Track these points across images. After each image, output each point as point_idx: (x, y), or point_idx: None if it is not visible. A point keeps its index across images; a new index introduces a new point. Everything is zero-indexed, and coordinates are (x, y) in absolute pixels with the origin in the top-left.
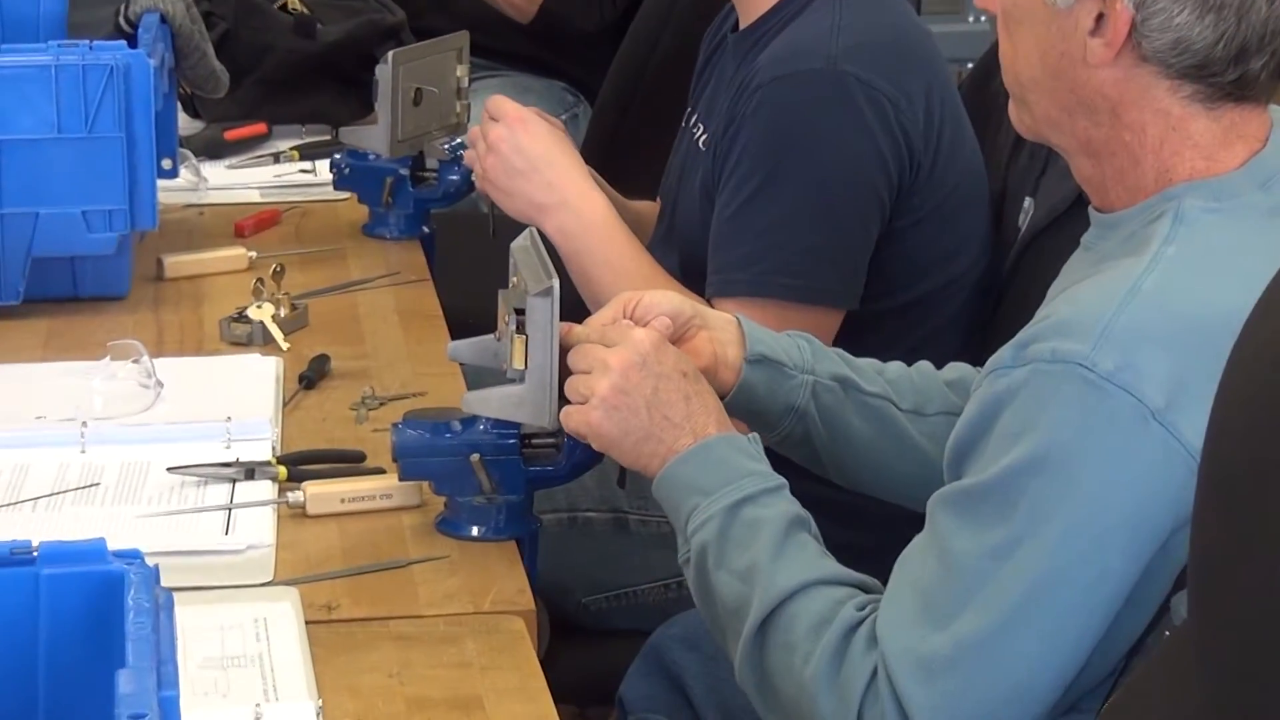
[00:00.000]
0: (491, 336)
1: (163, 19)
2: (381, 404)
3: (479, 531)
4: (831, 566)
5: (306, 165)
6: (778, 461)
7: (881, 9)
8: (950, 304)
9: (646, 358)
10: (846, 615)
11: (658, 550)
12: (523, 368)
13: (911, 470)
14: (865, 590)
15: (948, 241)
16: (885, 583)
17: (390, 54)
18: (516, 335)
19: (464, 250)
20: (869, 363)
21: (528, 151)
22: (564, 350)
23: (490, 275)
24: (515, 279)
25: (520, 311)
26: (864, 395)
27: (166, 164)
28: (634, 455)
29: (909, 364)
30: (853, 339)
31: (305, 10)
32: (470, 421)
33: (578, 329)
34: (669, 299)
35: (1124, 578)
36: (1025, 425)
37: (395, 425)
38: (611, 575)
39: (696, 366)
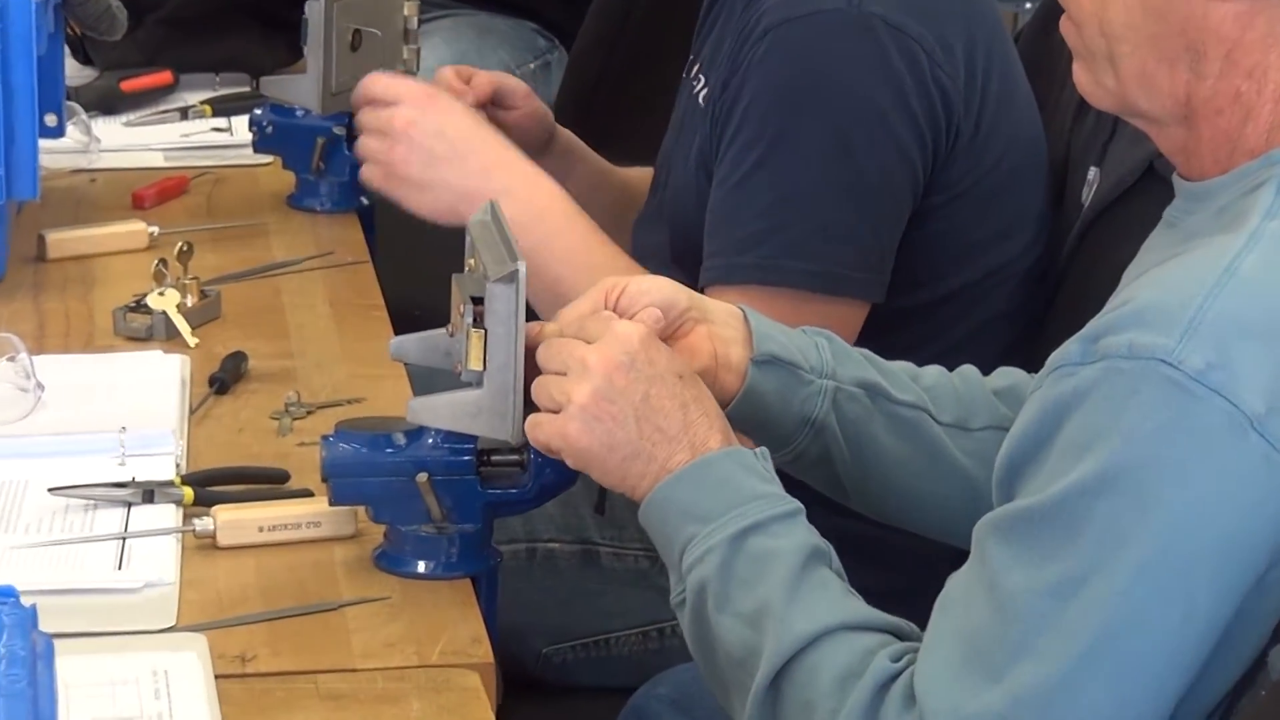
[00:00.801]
0: (443, 331)
1: None
2: (309, 412)
3: (427, 567)
4: (859, 608)
5: (221, 123)
6: (790, 486)
7: None
8: (996, 296)
9: (635, 356)
10: (879, 667)
11: (635, 590)
12: (480, 369)
13: (952, 497)
14: (900, 637)
15: (994, 222)
16: (923, 628)
17: None
18: (473, 330)
19: (411, 226)
20: (902, 366)
21: (449, 133)
22: (531, 348)
23: (443, 256)
24: (472, 261)
25: (478, 301)
26: (896, 405)
27: (50, 120)
28: (619, 475)
29: (949, 369)
30: (877, 340)
31: None
32: (417, 434)
33: (549, 324)
34: (660, 286)
35: (1212, 620)
36: (1095, 435)
37: (325, 438)
38: (579, 620)
39: (693, 368)
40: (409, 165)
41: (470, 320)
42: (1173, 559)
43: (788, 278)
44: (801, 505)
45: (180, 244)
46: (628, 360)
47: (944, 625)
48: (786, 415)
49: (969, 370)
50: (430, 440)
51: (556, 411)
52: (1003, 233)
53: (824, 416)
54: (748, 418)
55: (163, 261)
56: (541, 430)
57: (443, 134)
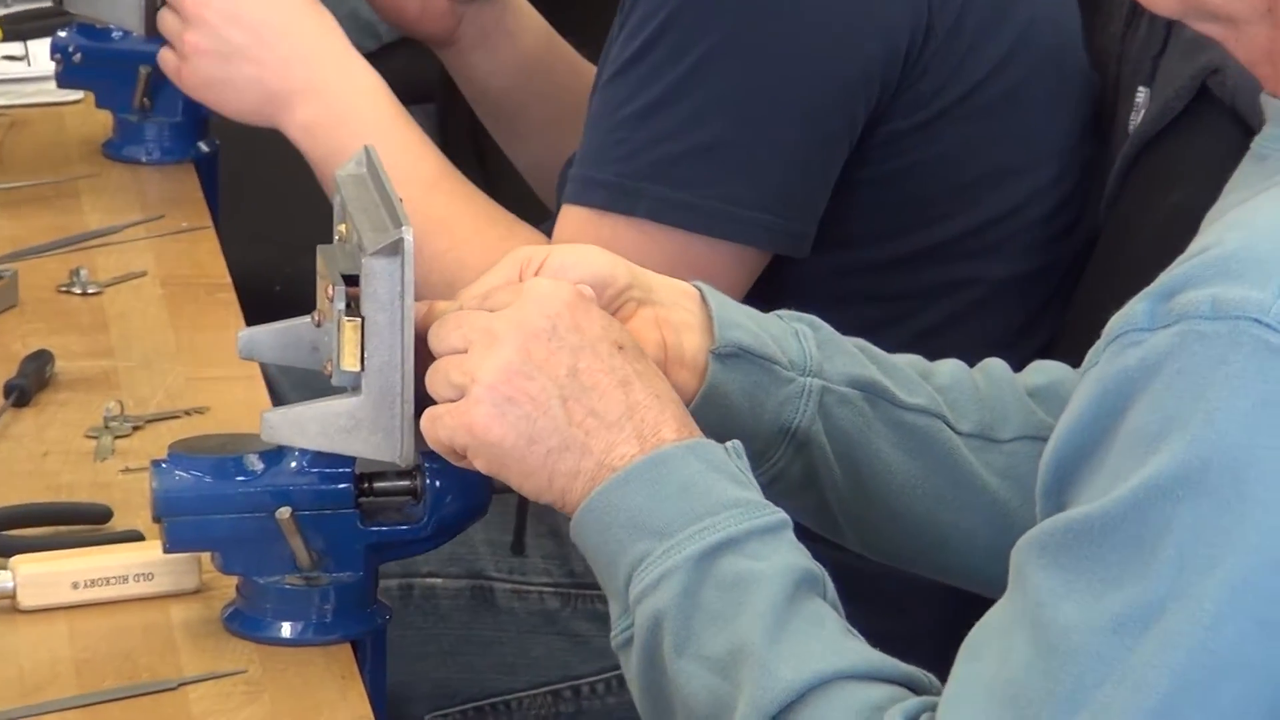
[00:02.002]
0: (307, 319)
1: None
2: (136, 428)
3: (294, 630)
4: (863, 652)
5: (14, 49)
6: None
7: None
8: (1001, 255)
9: (558, 321)
10: None
11: (541, 637)
12: (357, 369)
13: (978, 529)
14: (915, 690)
15: (991, 154)
16: (943, 679)
17: None
18: (346, 319)
19: (266, 179)
20: (909, 361)
21: (247, 18)
22: (424, 337)
23: (311, 214)
24: (343, 228)
25: (352, 281)
26: (901, 410)
27: None
28: (544, 476)
29: (936, 355)
30: (830, 315)
31: None
32: (276, 456)
33: (444, 303)
34: (591, 258)
35: None
36: (1171, 419)
37: (157, 464)
38: (470, 677)
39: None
40: (204, 60)
41: (342, 306)
42: (1276, 580)
43: (648, 206)
44: (787, 518)
45: None
46: (548, 326)
47: (973, 674)
48: (759, 424)
49: (995, 366)
50: (294, 464)
51: (457, 400)
52: (1005, 169)
53: (808, 425)
54: (709, 427)
55: None
56: (441, 425)
57: (239, 18)
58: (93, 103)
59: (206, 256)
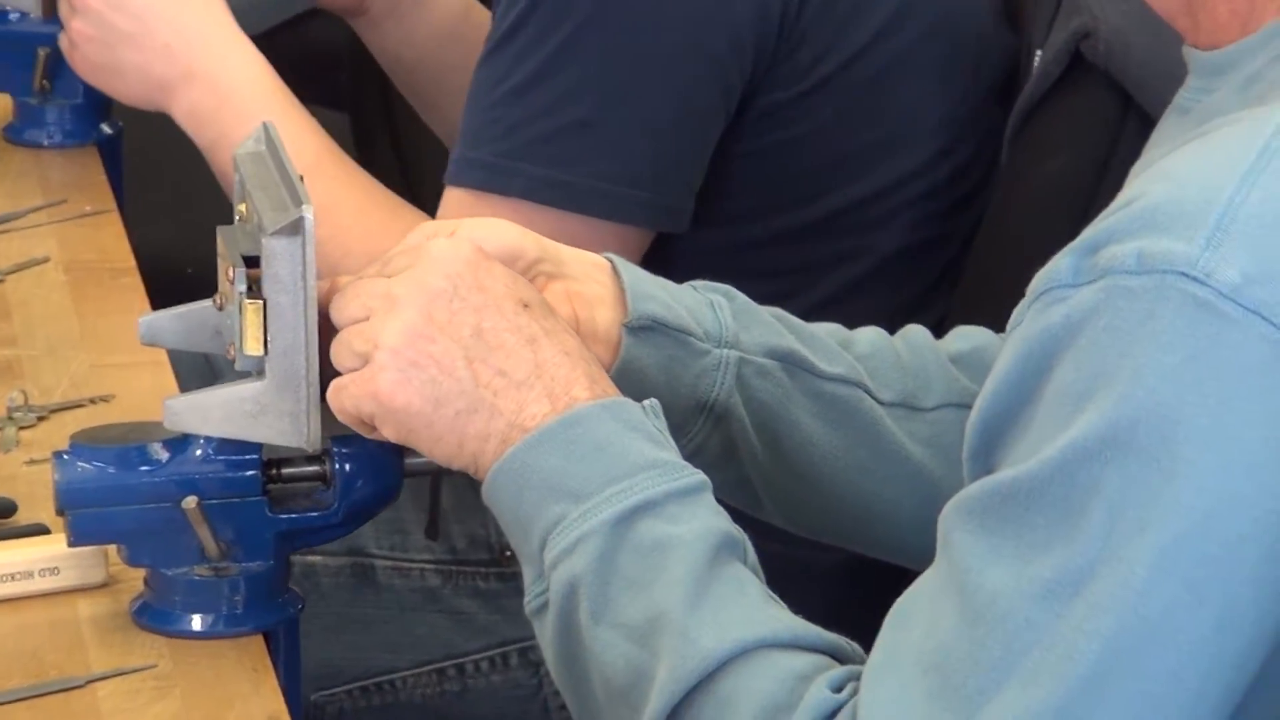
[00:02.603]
0: (209, 303)
1: None
2: (41, 418)
3: (204, 623)
4: (787, 620)
5: None
6: None
7: None
8: (892, 227)
9: (459, 280)
10: (815, 699)
11: (423, 614)
12: (260, 353)
13: (902, 500)
14: (840, 659)
15: (877, 124)
16: (868, 648)
17: None
18: (248, 301)
19: (174, 159)
20: (828, 330)
21: (131, 5)
22: (327, 316)
23: (221, 198)
24: (243, 207)
25: (253, 262)
26: (822, 381)
27: None
28: (455, 439)
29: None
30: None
31: None
32: (181, 445)
33: (345, 278)
34: (499, 232)
35: (1260, 624)
36: (1097, 377)
37: (59, 455)
38: (354, 657)
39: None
40: (89, 43)
41: (244, 288)
42: (1207, 543)
43: (523, 186)
44: (707, 479)
45: None
46: (449, 286)
47: (899, 643)
48: (676, 397)
49: (917, 333)
50: (199, 452)
51: (361, 368)
52: (889, 141)
53: (726, 398)
54: None
55: None
56: (346, 395)
57: (122, 5)
58: None
59: (111, 241)
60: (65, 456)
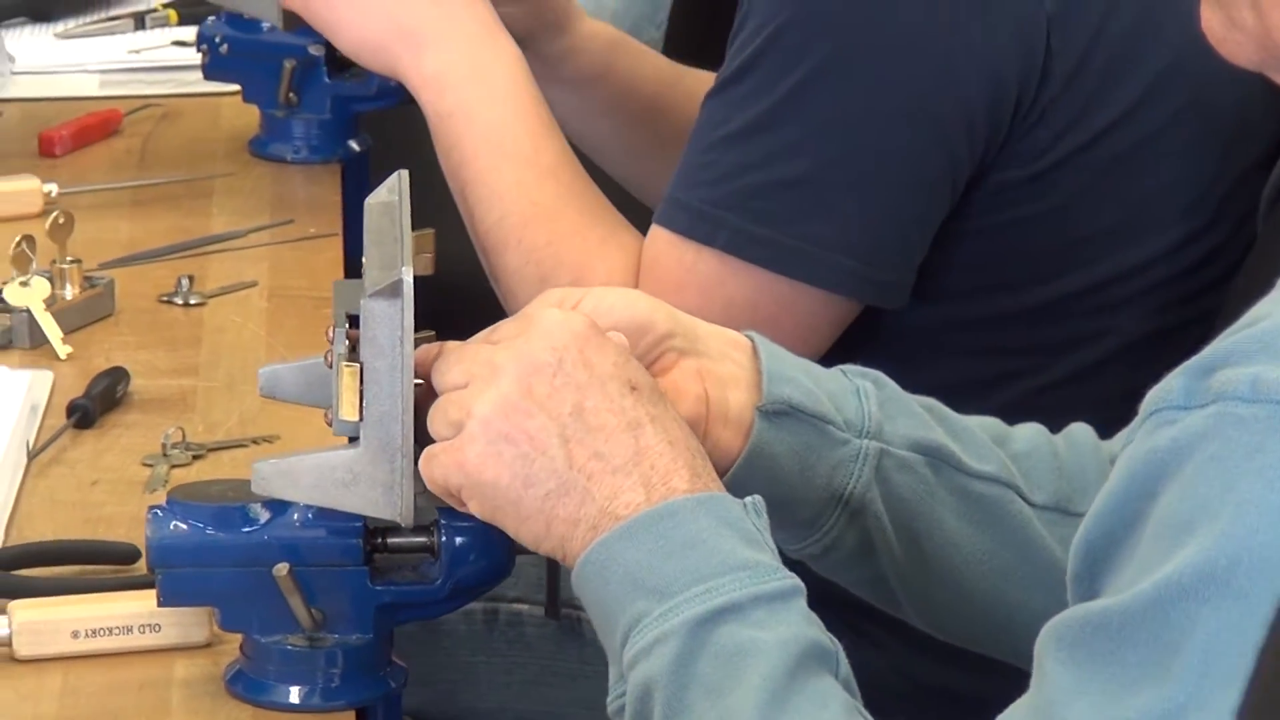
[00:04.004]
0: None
1: None
2: (197, 456)
3: (300, 695)
4: None
5: (185, 33)
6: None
7: None
8: (1129, 313)
9: (564, 354)
10: None
11: None
12: (355, 419)
13: (1047, 607)
14: None
15: (1120, 207)
16: None
17: None
18: (345, 364)
19: (417, 177)
20: (982, 424)
21: None
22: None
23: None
24: (366, 260)
25: (355, 321)
26: (969, 478)
27: None
28: (541, 522)
29: (1053, 428)
30: (936, 365)
31: None
32: (284, 506)
33: (454, 344)
34: (628, 302)
35: None
36: (1200, 509)
37: (154, 511)
38: (552, 710)
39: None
40: None
41: (342, 350)
42: None
43: (727, 239)
44: (800, 584)
45: (55, 215)
46: (553, 360)
47: None
48: (809, 488)
49: (1080, 432)
50: (299, 516)
51: (453, 438)
52: (1131, 224)
53: (864, 491)
54: (754, 490)
55: (24, 241)
56: (436, 464)
57: None
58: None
59: (325, 267)
60: (159, 512)
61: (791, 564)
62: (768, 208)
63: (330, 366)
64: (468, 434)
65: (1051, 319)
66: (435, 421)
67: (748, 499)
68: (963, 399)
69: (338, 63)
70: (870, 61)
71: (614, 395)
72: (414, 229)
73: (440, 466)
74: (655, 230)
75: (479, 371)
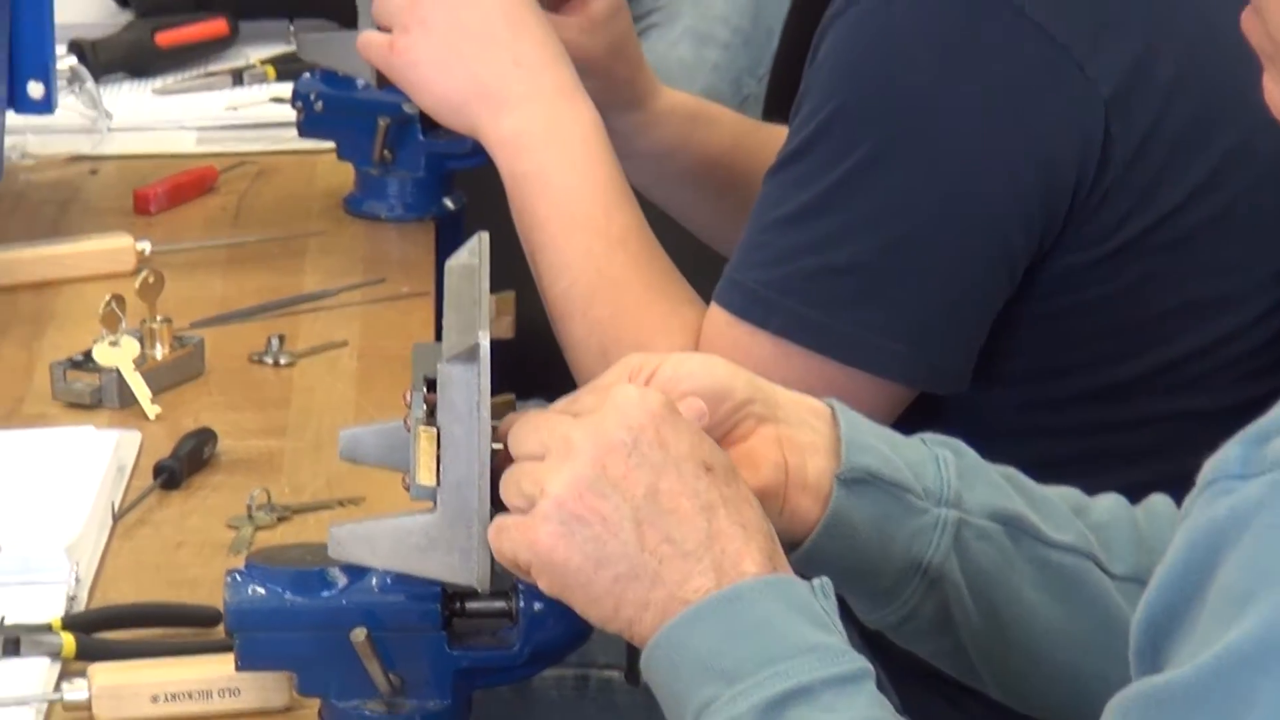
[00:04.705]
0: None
1: None
2: (282, 518)
3: None
4: None
5: (283, 90)
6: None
7: None
8: (1207, 389)
9: (640, 434)
10: None
11: None
12: (432, 484)
13: (1125, 680)
14: None
15: (1193, 285)
16: None
17: None
18: (423, 428)
19: (510, 235)
20: (1063, 494)
21: (489, 7)
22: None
23: None
24: (445, 323)
25: (433, 385)
26: (1048, 549)
27: (35, 91)
28: (610, 604)
29: (1132, 500)
30: (1008, 445)
31: None
32: (361, 570)
33: (534, 412)
34: (708, 368)
35: None
36: (1260, 578)
37: (232, 575)
38: None
39: (739, 469)
40: (428, 33)
41: (420, 414)
42: None
43: (780, 322)
44: (870, 667)
45: (145, 274)
46: (629, 439)
47: None
48: (888, 557)
49: (1160, 502)
50: (377, 580)
51: (526, 511)
52: (1206, 301)
53: (942, 561)
54: (832, 559)
55: (114, 301)
56: (506, 537)
57: (478, 4)
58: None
59: (417, 327)
60: (238, 577)
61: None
62: (821, 292)
63: (409, 430)
64: (540, 512)
65: (1126, 398)
66: (508, 492)
67: (815, 581)
68: (1037, 478)
69: (432, 120)
70: (922, 149)
71: (688, 477)
72: (495, 291)
73: (510, 541)
74: (714, 308)
75: (555, 446)
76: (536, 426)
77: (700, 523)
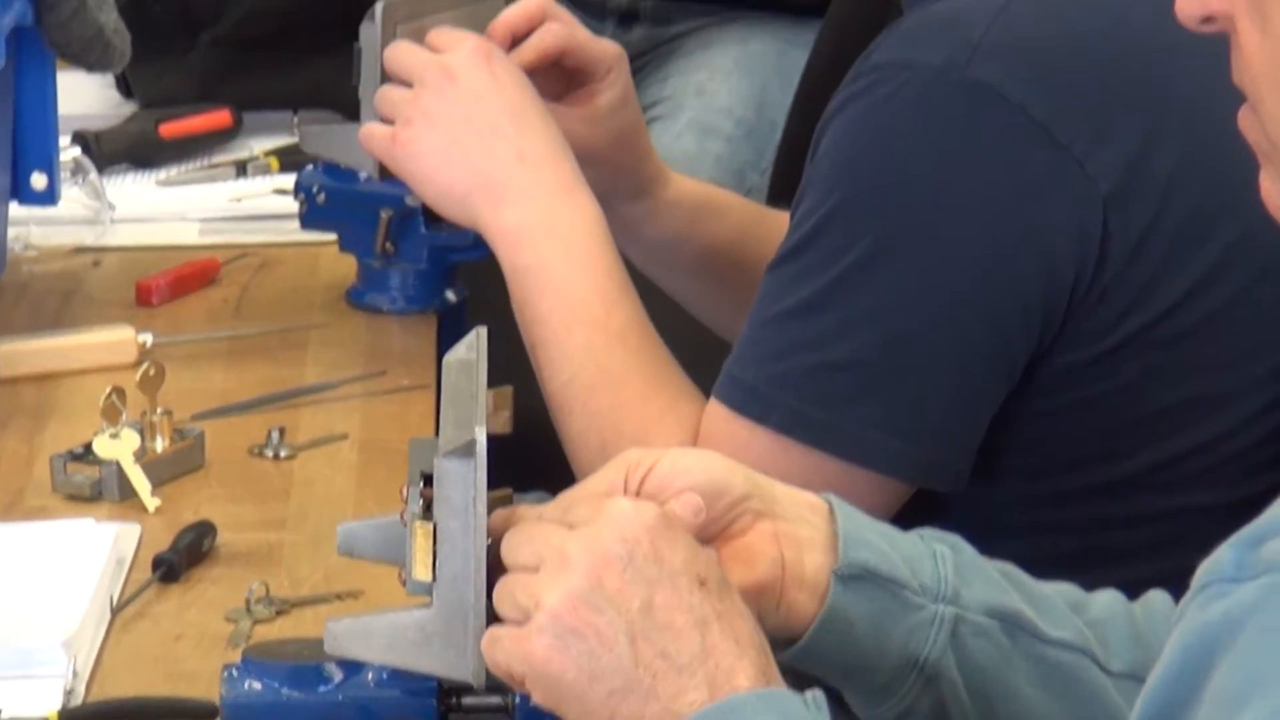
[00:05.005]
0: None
1: None
2: (281, 612)
3: None
4: None
5: (286, 181)
6: None
7: None
8: (1210, 484)
9: (636, 547)
10: None
11: None
12: (428, 579)
13: None
14: None
15: (1194, 381)
16: None
17: (379, 5)
18: (419, 523)
19: (512, 328)
20: (1059, 590)
21: (493, 101)
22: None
23: None
24: (442, 418)
25: (430, 480)
26: (1045, 645)
27: (39, 182)
28: (603, 716)
29: (1132, 595)
30: (1008, 540)
31: None
32: (358, 665)
33: (527, 509)
34: (706, 464)
35: None
36: (1254, 682)
37: (228, 669)
38: None
39: (730, 575)
40: (432, 124)
41: (417, 508)
42: None
43: (780, 419)
44: None
45: (146, 366)
46: (624, 552)
47: None
48: (884, 653)
49: (1158, 600)
50: (371, 675)
51: (521, 622)
52: (1207, 397)
53: (939, 657)
54: (829, 655)
55: (114, 394)
56: (500, 648)
57: (482, 97)
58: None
59: (418, 419)
60: (234, 671)
61: None
62: (819, 389)
63: (405, 525)
64: (535, 624)
65: (1125, 495)
66: (503, 603)
67: (808, 693)
68: (1036, 573)
69: (435, 213)
70: (921, 246)
71: (683, 591)
72: (493, 386)
73: (504, 653)
74: (713, 403)
75: (550, 557)
76: (531, 537)
77: (694, 637)
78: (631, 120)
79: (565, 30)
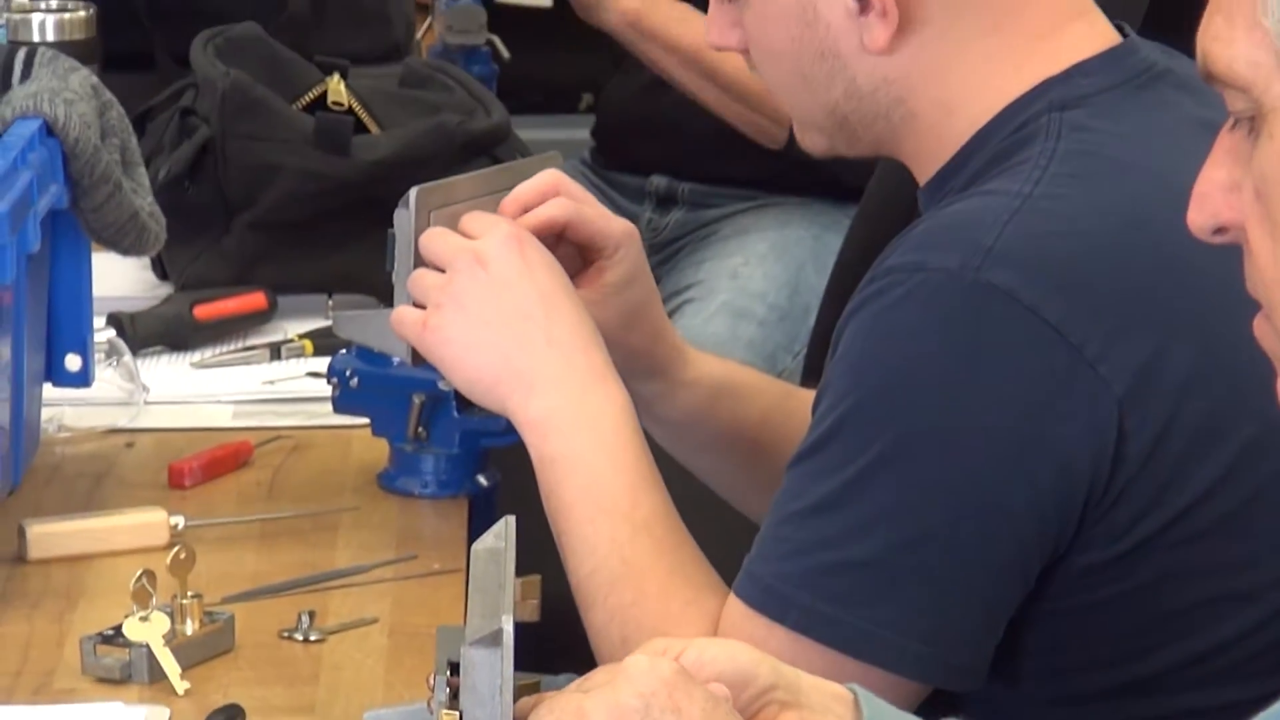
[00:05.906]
0: (424, 706)
1: (48, 129)
2: None
3: None
4: None
5: (320, 364)
6: None
7: (1119, 177)
8: (1234, 681)
9: (652, 699)
10: None
11: None
12: None
13: None
14: None
15: (1214, 580)
16: None
17: (414, 191)
18: (445, 712)
19: (544, 517)
20: None
21: (524, 287)
22: None
23: None
24: (470, 606)
25: (456, 669)
26: None
27: (73, 363)
28: None
29: None
30: None
31: (354, 106)
32: None
33: (553, 695)
34: (731, 654)
35: None
36: None
37: None
38: None
39: None
40: (461, 310)
41: (444, 697)
42: None
43: (797, 618)
44: None
45: (176, 549)
46: (640, 705)
47: None
48: None
49: None
50: None
51: None
52: (1228, 595)
53: None
54: None
55: (145, 576)
56: None
57: (516, 284)
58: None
59: (447, 604)
60: None
61: None
62: (837, 588)
63: (432, 713)
64: None
65: (1148, 694)
66: None
67: None
68: None
69: (467, 398)
70: (934, 449)
71: None
72: (521, 574)
73: None
74: (732, 599)
75: (568, 718)
76: (550, 707)
77: None
78: (640, 299)
79: (572, 205)
